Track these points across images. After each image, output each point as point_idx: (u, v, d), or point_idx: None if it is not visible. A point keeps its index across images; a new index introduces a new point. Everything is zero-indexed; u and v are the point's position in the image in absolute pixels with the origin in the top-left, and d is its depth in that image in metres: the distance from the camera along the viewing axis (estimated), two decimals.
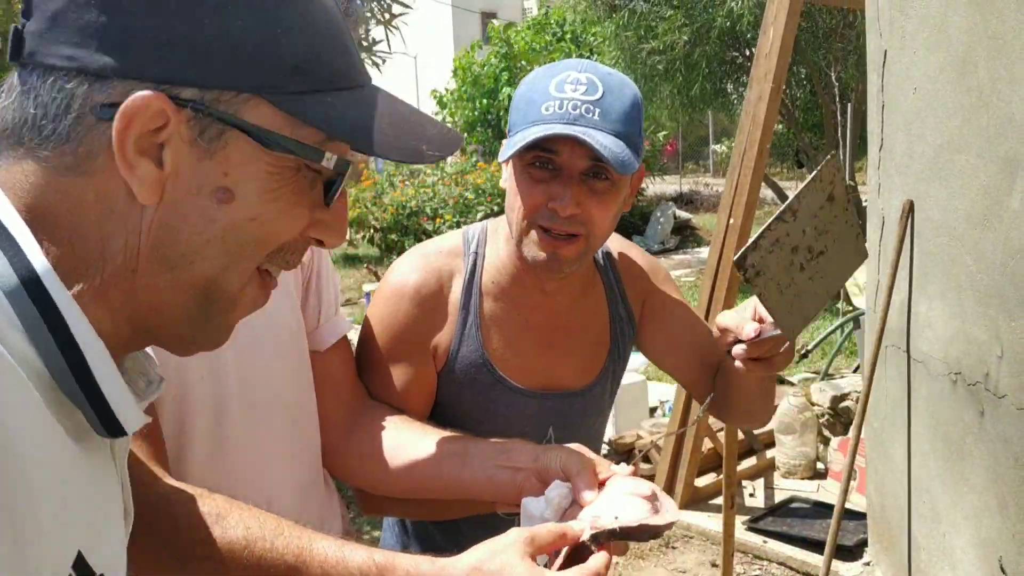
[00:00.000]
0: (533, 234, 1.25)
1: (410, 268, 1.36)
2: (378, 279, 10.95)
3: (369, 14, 3.12)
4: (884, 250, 2.92)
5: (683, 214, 14.72)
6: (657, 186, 16.93)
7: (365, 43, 3.18)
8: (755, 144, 3.42)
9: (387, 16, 3.15)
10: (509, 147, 1.22)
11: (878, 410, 2.93)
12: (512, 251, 1.34)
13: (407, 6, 3.16)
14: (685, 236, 14.02)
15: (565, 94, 1.20)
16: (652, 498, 1.04)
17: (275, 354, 1.17)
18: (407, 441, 1.24)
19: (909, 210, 2.64)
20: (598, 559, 0.96)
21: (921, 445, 2.65)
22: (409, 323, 1.33)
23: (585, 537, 0.98)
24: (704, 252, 12.98)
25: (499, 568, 0.91)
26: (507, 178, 1.29)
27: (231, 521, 0.94)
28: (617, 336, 1.48)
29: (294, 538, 0.94)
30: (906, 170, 2.69)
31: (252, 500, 0.99)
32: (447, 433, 1.25)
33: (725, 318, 1.23)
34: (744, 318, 1.20)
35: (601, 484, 1.07)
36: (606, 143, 1.17)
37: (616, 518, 1.00)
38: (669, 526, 1.03)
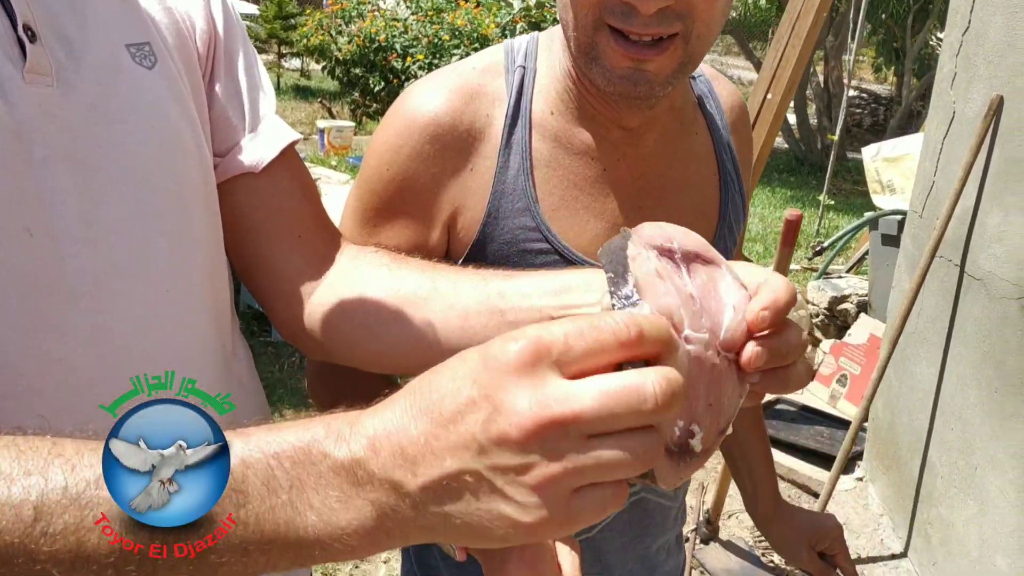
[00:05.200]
0: (604, 41, 0.83)
1: (430, 88, 0.91)
2: (332, 116, 9.97)
3: None
4: (950, 150, 2.60)
5: None
6: None
7: None
8: (811, 12, 3.00)
9: None
10: None
11: (906, 324, 2.69)
12: (578, 71, 0.91)
13: None
14: None
15: None
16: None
17: (145, 187, 0.73)
18: (412, 287, 0.81)
19: (998, 106, 2.31)
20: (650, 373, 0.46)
21: (960, 368, 2.43)
22: (418, 167, 0.89)
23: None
24: None
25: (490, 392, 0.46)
26: None
27: None
28: (728, 202, 1.03)
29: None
30: (999, 60, 2.34)
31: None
32: (472, 272, 0.81)
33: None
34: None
35: None
36: None
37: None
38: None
